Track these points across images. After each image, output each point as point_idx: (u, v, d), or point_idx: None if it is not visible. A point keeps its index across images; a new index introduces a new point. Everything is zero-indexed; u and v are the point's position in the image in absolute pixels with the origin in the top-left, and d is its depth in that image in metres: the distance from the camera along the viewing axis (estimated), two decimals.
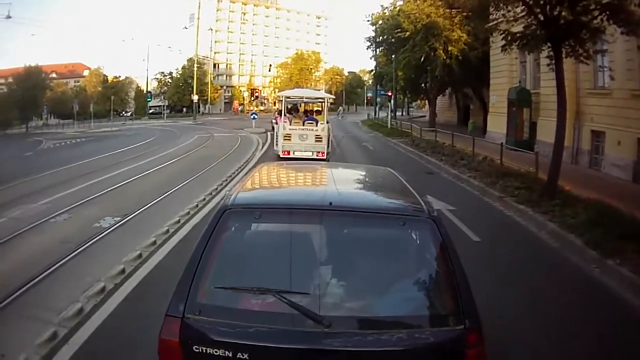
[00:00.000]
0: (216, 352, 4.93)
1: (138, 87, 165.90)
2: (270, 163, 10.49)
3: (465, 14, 30.85)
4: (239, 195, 6.32)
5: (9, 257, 15.21)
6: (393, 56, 76.06)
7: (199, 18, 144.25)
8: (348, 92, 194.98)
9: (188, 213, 19.80)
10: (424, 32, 61.65)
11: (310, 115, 39.31)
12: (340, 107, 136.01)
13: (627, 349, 9.53)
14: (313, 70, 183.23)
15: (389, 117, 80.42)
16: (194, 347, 5.00)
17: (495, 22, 26.06)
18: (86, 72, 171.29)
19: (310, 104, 43.84)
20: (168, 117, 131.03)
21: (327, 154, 35.46)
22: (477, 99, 71.15)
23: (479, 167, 30.80)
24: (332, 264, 5.62)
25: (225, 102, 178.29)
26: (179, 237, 16.47)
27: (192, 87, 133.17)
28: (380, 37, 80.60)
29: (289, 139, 35.43)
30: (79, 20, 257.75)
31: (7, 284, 12.39)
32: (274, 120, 51.45)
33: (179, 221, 18.52)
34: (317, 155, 34.66)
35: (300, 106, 44.20)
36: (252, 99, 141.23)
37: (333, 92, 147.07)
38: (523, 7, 22.17)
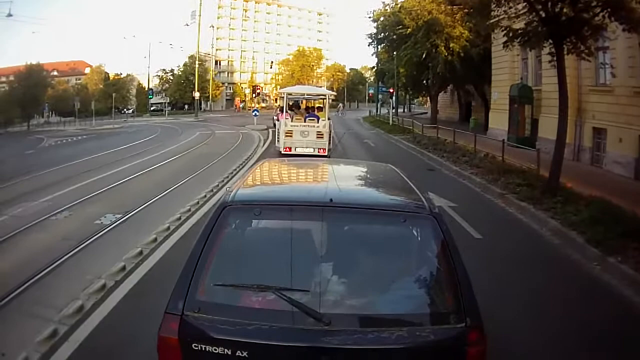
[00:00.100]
0: (215, 349, 4.91)
1: (139, 84, 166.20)
2: (271, 159, 10.41)
3: (466, 10, 30.71)
4: (239, 192, 6.30)
5: (10, 254, 15.20)
6: (394, 53, 76.20)
7: (200, 15, 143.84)
8: (349, 89, 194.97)
9: (189, 210, 19.79)
10: (426, 29, 61.69)
11: (311, 112, 39.29)
12: (340, 104, 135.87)
13: (629, 346, 9.52)
14: (315, 67, 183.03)
15: (391, 114, 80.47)
16: (193, 345, 4.98)
17: (497, 18, 26.04)
18: (87, 70, 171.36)
19: (312, 101, 44.23)
20: (169, 115, 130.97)
21: (328, 150, 35.50)
22: (479, 95, 71.15)
23: (480, 164, 30.81)
24: (332, 261, 5.59)
25: (226, 99, 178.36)
26: (179, 234, 16.48)
27: (194, 84, 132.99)
28: (382, 34, 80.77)
29: (291, 136, 35.42)
30: (80, 18, 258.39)
31: (7, 282, 12.39)
32: (275, 117, 51.93)
33: (179, 218, 18.52)
34: (318, 152, 34.72)
35: (302, 103, 44.29)
36: (254, 95, 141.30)
37: (334, 89, 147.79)
38: (524, 3, 22.15)
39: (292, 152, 34.83)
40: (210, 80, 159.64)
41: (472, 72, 63.60)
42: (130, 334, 9.29)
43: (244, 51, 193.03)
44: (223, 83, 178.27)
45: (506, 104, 46.33)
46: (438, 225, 5.71)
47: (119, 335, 9.51)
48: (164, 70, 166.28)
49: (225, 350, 4.89)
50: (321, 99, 42.54)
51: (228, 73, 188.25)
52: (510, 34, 23.16)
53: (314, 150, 34.80)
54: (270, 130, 57.65)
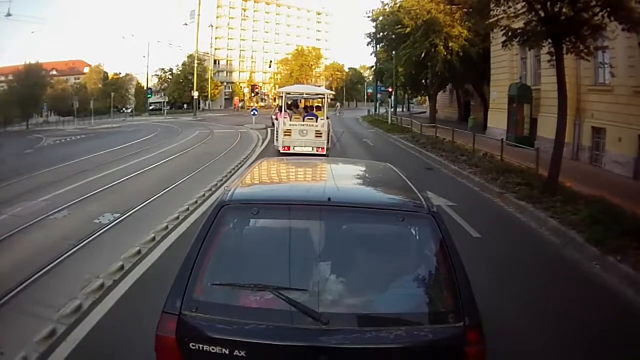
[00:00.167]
0: (213, 349, 4.90)
1: (138, 83, 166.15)
2: (269, 158, 10.41)
3: (465, 10, 30.63)
4: (236, 191, 6.27)
5: (8, 254, 15.16)
6: (393, 52, 76.18)
7: (199, 14, 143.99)
8: (348, 88, 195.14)
9: (187, 209, 19.78)
10: (425, 28, 61.75)
11: (310, 111, 39.56)
12: (338, 104, 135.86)
13: (628, 346, 9.50)
14: (313, 67, 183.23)
15: (389, 113, 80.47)
16: (190, 344, 4.97)
17: (496, 18, 26.03)
18: (86, 69, 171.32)
19: (310, 100, 44.38)
20: (168, 114, 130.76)
21: (327, 149, 35.71)
22: (478, 95, 71.20)
23: (479, 163, 30.82)
24: (330, 260, 5.56)
25: (225, 99, 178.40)
26: (178, 233, 16.48)
27: (193, 84, 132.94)
28: (381, 33, 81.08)
29: (289, 135, 35.65)
30: (79, 18, 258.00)
31: (6, 281, 12.36)
32: (273, 116, 52.05)
33: (178, 217, 18.51)
34: (317, 151, 34.98)
35: (300, 102, 44.68)
36: (253, 95, 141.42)
37: (333, 88, 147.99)
38: (524, 3, 22.14)
39: (291, 151, 34.95)
40: (209, 80, 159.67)
41: (471, 71, 63.65)
42: (129, 334, 9.28)
43: (243, 50, 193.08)
44: (222, 82, 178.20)
45: (505, 103, 46.35)
46: (436, 224, 5.69)
47: (117, 335, 9.50)
48: (162, 69, 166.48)
49: (223, 349, 4.87)
50: (320, 98, 42.63)
51: (227, 72, 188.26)
52: (510, 34, 23.17)
53: (313, 149, 35.03)
54: (269, 129, 57.59)
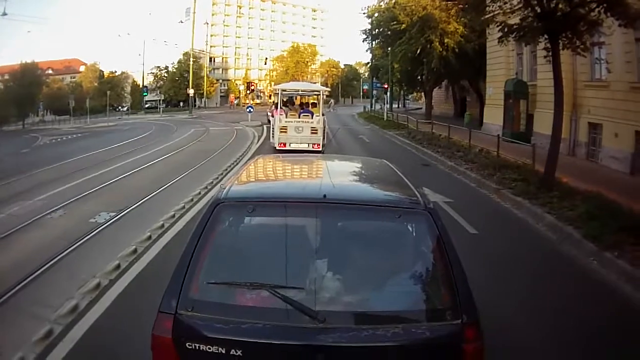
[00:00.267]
0: (209, 348, 4.88)
1: (134, 81, 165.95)
2: (265, 155, 10.43)
3: (461, 6, 30.61)
4: (232, 189, 6.25)
5: (5, 253, 15.13)
6: (389, 49, 76.19)
7: (194, 12, 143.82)
8: (344, 84, 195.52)
9: (183, 207, 19.78)
10: (420, 25, 61.75)
11: (306, 108, 39.79)
12: (331, 100, 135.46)
13: (626, 342, 9.49)
14: (309, 63, 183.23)
15: (385, 109, 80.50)
16: (187, 344, 4.95)
17: (492, 14, 25.99)
18: (82, 68, 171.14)
19: (306, 97, 44.59)
20: (164, 112, 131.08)
21: (323, 145, 35.96)
22: (474, 91, 71.08)
23: (475, 159, 30.75)
24: (326, 258, 5.53)
25: (221, 96, 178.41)
26: (174, 232, 16.48)
27: (188, 81, 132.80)
28: (376, 30, 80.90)
29: (285, 132, 35.90)
30: (74, 16, 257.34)
31: (2, 281, 12.34)
32: (269, 113, 52.08)
33: (174, 216, 18.50)
34: (312, 147, 35.27)
35: (296, 99, 45.12)
36: (248, 92, 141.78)
37: (329, 85, 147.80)
38: None
39: (287, 147, 35.14)
40: (205, 77, 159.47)
41: (467, 67, 63.64)
42: (125, 333, 9.25)
43: (238, 48, 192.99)
44: (217, 80, 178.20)
45: (501, 99, 46.29)
46: (433, 220, 5.67)
47: (114, 335, 9.49)
48: (158, 67, 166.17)
49: (220, 349, 4.85)
50: (315, 95, 42.73)
51: (222, 70, 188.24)
52: (506, 30, 23.15)
53: (309, 146, 35.29)
54: (264, 126, 57.83)
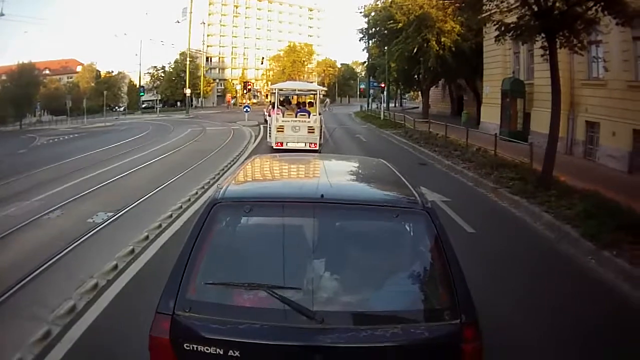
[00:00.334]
0: (207, 349, 4.86)
1: (131, 81, 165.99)
2: (262, 155, 10.41)
3: (458, 5, 30.60)
4: (229, 189, 6.22)
5: (2, 254, 15.13)
6: (386, 48, 76.21)
7: (191, 12, 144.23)
8: (341, 84, 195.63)
9: (180, 207, 19.79)
10: (417, 24, 61.83)
11: (302, 107, 39.80)
12: (327, 99, 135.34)
13: (624, 340, 9.49)
14: (305, 63, 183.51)
15: (382, 108, 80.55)
16: (184, 345, 4.93)
17: (489, 13, 25.99)
18: (79, 68, 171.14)
19: (303, 96, 44.49)
20: (161, 112, 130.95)
21: (320, 144, 36.03)
22: (471, 90, 71.21)
23: (472, 158, 30.80)
24: (324, 258, 5.51)
25: (218, 96, 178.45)
26: (171, 232, 16.48)
27: (185, 81, 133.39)
28: (373, 29, 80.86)
29: (282, 131, 36.03)
30: (71, 17, 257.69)
31: (0, 282, 12.31)
32: (266, 113, 52.58)
33: (171, 216, 18.50)
34: (309, 146, 35.35)
35: (293, 98, 45.11)
36: (245, 92, 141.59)
37: (326, 84, 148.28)
38: None
39: (284, 147, 35.27)
40: (201, 77, 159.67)
41: (464, 66, 63.74)
42: (123, 334, 9.24)
43: (235, 47, 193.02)
44: (214, 79, 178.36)
45: (498, 98, 46.31)
46: (431, 220, 5.65)
47: (111, 335, 9.47)
48: (155, 67, 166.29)
49: (218, 350, 4.83)
50: (312, 94, 42.84)
51: (219, 69, 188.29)
52: (503, 28, 23.15)
53: (306, 145, 35.36)
54: (261, 126, 57.68)
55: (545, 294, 11.65)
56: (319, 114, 38.19)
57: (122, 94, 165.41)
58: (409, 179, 7.16)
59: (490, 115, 49.14)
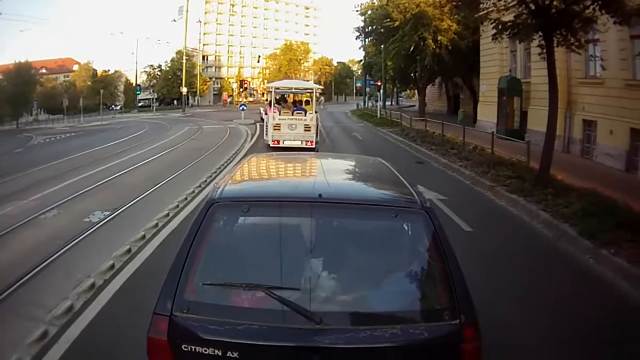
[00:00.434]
0: (205, 350, 4.83)
1: (127, 80, 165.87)
2: (258, 154, 10.37)
3: (454, 3, 30.61)
4: (226, 188, 6.18)
5: (0, 254, 15.08)
6: (382, 46, 76.35)
7: (187, 10, 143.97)
8: (337, 82, 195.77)
9: (177, 206, 19.77)
10: (413, 22, 61.92)
11: (299, 106, 40.08)
12: (321, 98, 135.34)
13: (623, 339, 9.48)
14: (302, 61, 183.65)
15: (379, 107, 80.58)
16: (182, 346, 4.90)
17: (486, 11, 26.03)
18: (76, 67, 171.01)
19: (299, 95, 44.70)
20: (157, 110, 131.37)
21: (316, 142, 36.25)
22: (467, 88, 71.23)
23: (469, 156, 30.86)
24: (322, 258, 5.48)
25: (214, 94, 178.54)
26: (168, 231, 16.45)
27: (181, 80, 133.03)
28: (370, 27, 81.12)
29: (279, 129, 36.32)
30: (68, 16, 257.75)
31: None
32: (262, 111, 52.60)
33: (168, 215, 18.47)
34: (306, 145, 35.62)
35: (289, 97, 45.44)
36: (241, 90, 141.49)
37: (322, 83, 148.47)
38: None
39: (281, 145, 35.52)
40: (198, 75, 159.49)
41: (461, 64, 63.77)
42: (121, 334, 9.23)
43: (231, 46, 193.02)
44: (210, 78, 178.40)
45: (495, 96, 46.40)
46: (430, 219, 5.62)
47: (109, 336, 9.46)
48: (151, 66, 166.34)
49: (216, 351, 4.81)
50: (308, 92, 43.12)
51: (215, 68, 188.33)
52: (500, 27, 23.16)
53: (302, 143, 35.71)
54: (257, 124, 58.11)
55: (543, 292, 11.64)
56: (316, 112, 38.45)
57: (119, 93, 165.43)
58: (406, 177, 7.16)
59: (487, 113, 49.17)
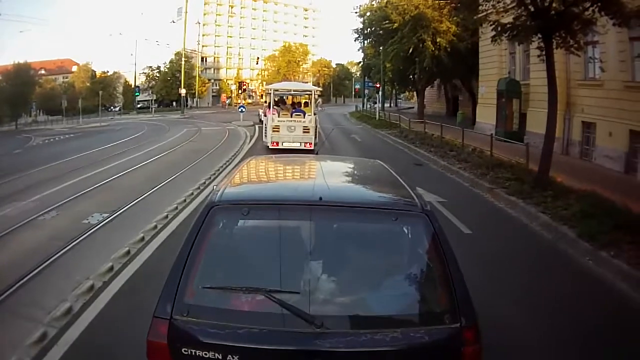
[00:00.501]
0: (206, 354, 4.82)
1: (126, 81, 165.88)
2: (258, 157, 10.38)
3: (454, 5, 30.66)
4: (226, 191, 6.18)
5: None
6: (381, 48, 76.28)
7: (186, 12, 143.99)
8: (336, 84, 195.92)
9: (176, 208, 19.74)
10: (412, 24, 61.83)
11: (297, 107, 40.35)
12: (319, 100, 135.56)
13: (623, 341, 9.49)
14: (301, 63, 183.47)
15: (377, 108, 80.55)
16: (182, 350, 4.88)
17: (485, 13, 26.01)
18: (74, 68, 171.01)
19: (298, 97, 45.37)
20: (156, 112, 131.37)
21: (315, 144, 36.16)
22: (466, 90, 71.25)
23: (468, 158, 30.82)
24: (323, 262, 5.48)
25: (213, 96, 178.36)
26: (167, 233, 16.43)
27: (180, 81, 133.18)
28: (368, 29, 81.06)
29: (278, 131, 36.51)
30: (67, 17, 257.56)
31: None
32: (261, 113, 52.82)
33: (167, 216, 18.45)
34: (305, 146, 35.86)
35: (288, 99, 46.10)
36: (240, 92, 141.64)
37: (321, 84, 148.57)
38: None
39: (280, 146, 35.82)
40: (197, 77, 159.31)
41: (459, 66, 63.69)
42: (120, 336, 9.23)
43: (230, 47, 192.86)
44: (209, 79, 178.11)
45: (494, 98, 46.37)
46: (430, 223, 5.62)
47: (108, 337, 9.45)
48: (150, 67, 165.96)
49: (216, 354, 4.79)
50: (307, 94, 43.48)
51: (214, 69, 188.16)
52: (499, 29, 23.14)
53: (301, 145, 35.96)
54: (256, 126, 58.12)
55: (543, 294, 11.65)
56: (314, 114, 38.54)
57: (118, 94, 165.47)
58: (405, 179, 7.17)
59: (486, 115, 49.16)
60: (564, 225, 16.39)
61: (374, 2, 76.97)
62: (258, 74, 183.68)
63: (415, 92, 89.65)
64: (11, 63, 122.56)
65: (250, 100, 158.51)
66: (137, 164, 33.41)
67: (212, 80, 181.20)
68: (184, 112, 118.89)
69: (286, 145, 35.74)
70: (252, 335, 4.82)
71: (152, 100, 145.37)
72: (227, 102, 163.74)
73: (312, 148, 35.28)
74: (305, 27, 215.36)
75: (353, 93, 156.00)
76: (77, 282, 12.06)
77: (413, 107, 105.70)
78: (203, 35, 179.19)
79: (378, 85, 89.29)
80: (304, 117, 37.06)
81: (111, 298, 11.33)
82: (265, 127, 39.01)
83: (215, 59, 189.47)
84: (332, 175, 7.80)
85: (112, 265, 13.21)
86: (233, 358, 4.77)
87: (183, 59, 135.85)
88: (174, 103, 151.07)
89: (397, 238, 5.96)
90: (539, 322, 10.15)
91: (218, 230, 5.75)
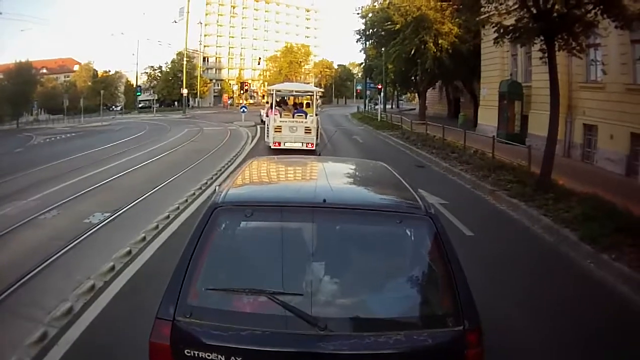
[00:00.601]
0: (209, 356, 4.80)
1: (128, 81, 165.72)
2: (260, 158, 10.35)
3: (456, 6, 30.68)
4: (229, 192, 6.16)
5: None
6: (383, 49, 76.07)
7: (188, 12, 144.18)
8: (337, 85, 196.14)
9: (178, 208, 19.69)
10: (414, 25, 61.73)
11: (299, 108, 40.72)
12: (319, 100, 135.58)
13: (625, 343, 9.50)
14: (302, 64, 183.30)
15: (379, 110, 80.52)
16: (185, 351, 4.86)
17: (487, 15, 25.96)
18: (76, 67, 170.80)
19: (300, 97, 45.52)
20: (158, 111, 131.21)
21: (316, 144, 36.37)
22: (468, 91, 71.29)
23: (470, 160, 30.83)
24: (326, 264, 5.46)
25: (214, 96, 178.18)
26: (168, 233, 16.37)
27: (182, 81, 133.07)
28: (370, 30, 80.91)
29: (280, 131, 36.75)
30: (69, 16, 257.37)
31: None
32: (263, 113, 53.04)
33: (168, 216, 18.40)
34: (306, 147, 36.17)
35: (290, 99, 46.42)
36: (242, 92, 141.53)
37: (322, 85, 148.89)
38: None
39: (281, 147, 36.10)
40: (198, 77, 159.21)
41: (461, 68, 63.69)
42: (120, 336, 9.21)
43: (232, 47, 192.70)
44: (211, 80, 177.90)
45: (495, 100, 46.42)
46: (434, 225, 5.61)
47: (108, 338, 9.42)
48: (152, 67, 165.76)
49: (219, 356, 4.78)
50: (309, 95, 43.76)
51: (216, 69, 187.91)
52: (501, 30, 23.13)
53: (302, 145, 36.21)
54: (258, 126, 58.28)
55: (544, 297, 11.65)
56: (316, 115, 38.84)
57: (119, 94, 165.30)
58: (407, 181, 7.17)
59: (488, 117, 49.16)
60: (565, 228, 16.38)
61: (376, 4, 76.95)
62: (260, 75, 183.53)
63: (417, 94, 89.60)
64: (13, 62, 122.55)
65: (251, 101, 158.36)
66: (138, 164, 33.39)
67: (214, 81, 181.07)
68: (185, 112, 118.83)
69: (288, 145, 35.99)
70: (255, 337, 4.80)
71: (153, 100, 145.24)
72: (228, 102, 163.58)
73: (314, 148, 35.59)
74: (307, 27, 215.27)
75: (355, 94, 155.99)
76: (78, 282, 12.03)
77: (414, 109, 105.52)
78: (205, 35, 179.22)
79: (380, 87, 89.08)
80: (306, 118, 37.30)
81: (112, 298, 11.30)
82: (267, 128, 39.10)
83: (217, 59, 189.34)
84: (335, 177, 7.81)
85: (114, 264, 13.19)
86: (236, 359, 4.75)
87: (185, 59, 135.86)
88: (176, 103, 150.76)
89: (401, 240, 5.97)
90: (541, 324, 10.13)
91: (221, 231, 5.73)
